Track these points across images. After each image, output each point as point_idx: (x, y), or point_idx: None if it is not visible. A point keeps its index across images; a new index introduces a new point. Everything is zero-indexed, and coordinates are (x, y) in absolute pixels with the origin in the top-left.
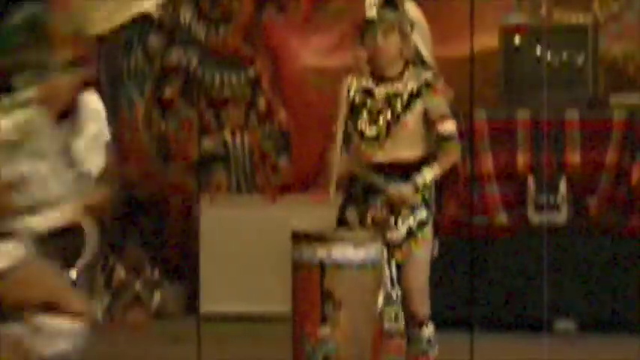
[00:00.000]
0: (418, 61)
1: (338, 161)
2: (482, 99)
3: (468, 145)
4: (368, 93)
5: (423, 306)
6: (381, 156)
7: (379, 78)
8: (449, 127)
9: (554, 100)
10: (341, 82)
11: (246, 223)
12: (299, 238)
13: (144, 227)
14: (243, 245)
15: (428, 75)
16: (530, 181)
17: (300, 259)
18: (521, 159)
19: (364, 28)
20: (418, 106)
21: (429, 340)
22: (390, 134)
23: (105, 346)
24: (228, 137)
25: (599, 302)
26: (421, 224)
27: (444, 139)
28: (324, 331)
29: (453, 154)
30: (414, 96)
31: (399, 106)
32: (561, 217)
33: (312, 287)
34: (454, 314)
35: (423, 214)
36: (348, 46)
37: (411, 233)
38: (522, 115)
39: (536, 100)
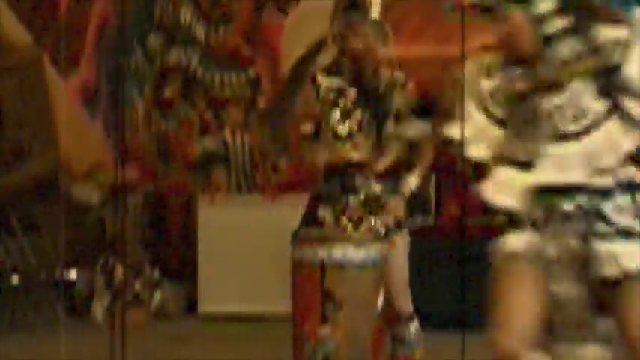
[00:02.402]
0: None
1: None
2: None
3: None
4: (340, 92)
5: (405, 304)
6: (356, 155)
7: (352, 79)
8: (421, 126)
9: None
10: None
11: (246, 223)
12: (299, 238)
13: (144, 227)
14: (243, 245)
15: (399, 74)
16: None
17: (301, 260)
18: None
19: (354, 27)
20: (389, 105)
21: (415, 337)
22: (363, 134)
23: (105, 346)
24: (228, 137)
25: None
26: (398, 224)
27: (416, 138)
28: (325, 331)
29: (427, 154)
30: (386, 95)
31: (371, 104)
32: None
33: (313, 287)
34: (454, 314)
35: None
36: None
37: (388, 233)
38: None
39: None
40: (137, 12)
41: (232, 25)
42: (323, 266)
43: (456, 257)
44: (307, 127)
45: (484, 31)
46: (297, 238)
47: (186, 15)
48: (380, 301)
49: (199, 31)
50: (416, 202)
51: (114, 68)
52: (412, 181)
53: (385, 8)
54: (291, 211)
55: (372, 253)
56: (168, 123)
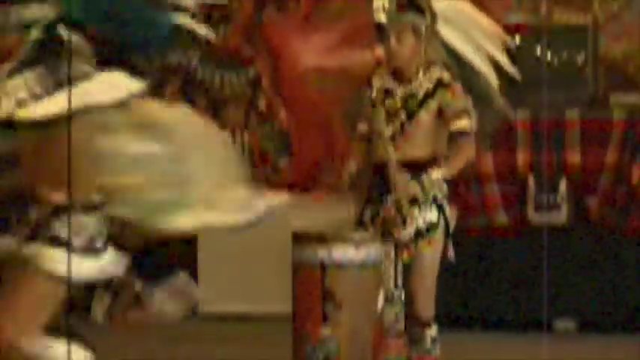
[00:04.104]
0: (440, 61)
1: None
2: None
3: None
4: (388, 93)
5: (426, 308)
6: (398, 156)
7: (398, 79)
8: (462, 123)
9: (554, 100)
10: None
11: None
12: (299, 238)
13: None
14: (243, 245)
15: (444, 75)
16: (531, 181)
17: (301, 260)
18: (522, 159)
19: (379, 31)
20: (433, 106)
21: (432, 341)
22: (404, 134)
23: (105, 346)
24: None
25: (599, 302)
26: (430, 225)
27: (457, 134)
28: (325, 331)
29: (465, 151)
30: (429, 95)
31: (413, 105)
32: (561, 217)
33: (313, 287)
34: (454, 314)
35: (433, 215)
36: (348, 46)
37: (419, 234)
38: (522, 115)
39: (536, 100)
40: None
41: (232, 25)
42: (323, 266)
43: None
44: (362, 127)
45: None
46: (297, 238)
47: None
48: (380, 301)
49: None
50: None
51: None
52: (433, 172)
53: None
54: (291, 211)
55: (372, 252)
56: None
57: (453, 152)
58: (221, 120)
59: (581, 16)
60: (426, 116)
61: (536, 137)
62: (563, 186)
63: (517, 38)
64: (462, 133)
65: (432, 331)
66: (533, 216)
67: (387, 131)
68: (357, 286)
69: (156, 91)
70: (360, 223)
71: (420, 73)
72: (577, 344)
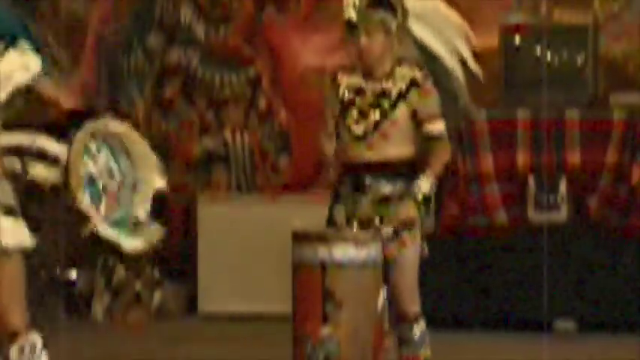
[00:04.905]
0: (411, 59)
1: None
2: (483, 99)
3: (467, 145)
4: (358, 91)
5: (412, 305)
6: (370, 155)
7: (368, 76)
8: (437, 126)
9: (554, 100)
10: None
11: (246, 223)
12: (299, 238)
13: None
14: (243, 245)
15: (417, 74)
16: (531, 181)
17: (301, 259)
18: (522, 159)
19: (347, 28)
20: (406, 106)
21: (420, 337)
22: (381, 134)
23: (105, 346)
24: (228, 137)
25: (599, 302)
26: (409, 224)
27: (433, 138)
28: (325, 331)
29: (443, 155)
30: (402, 95)
31: (387, 104)
32: (561, 216)
33: (313, 287)
34: (453, 314)
35: (411, 212)
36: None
37: (397, 233)
38: (522, 115)
39: (536, 100)
40: (137, 12)
41: (232, 25)
42: (323, 266)
43: (457, 257)
44: (330, 126)
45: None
46: (297, 238)
47: (186, 15)
48: (380, 300)
49: (199, 31)
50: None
51: (114, 68)
52: (424, 185)
53: None
54: (291, 211)
55: (372, 252)
56: (168, 123)
57: (431, 157)
58: (221, 120)
59: (581, 16)
60: (401, 116)
61: (536, 137)
62: (563, 186)
63: (517, 38)
64: (436, 136)
65: (420, 328)
66: (533, 216)
67: (359, 130)
68: (357, 286)
69: (156, 91)
70: (330, 222)
71: (393, 71)
72: (577, 344)
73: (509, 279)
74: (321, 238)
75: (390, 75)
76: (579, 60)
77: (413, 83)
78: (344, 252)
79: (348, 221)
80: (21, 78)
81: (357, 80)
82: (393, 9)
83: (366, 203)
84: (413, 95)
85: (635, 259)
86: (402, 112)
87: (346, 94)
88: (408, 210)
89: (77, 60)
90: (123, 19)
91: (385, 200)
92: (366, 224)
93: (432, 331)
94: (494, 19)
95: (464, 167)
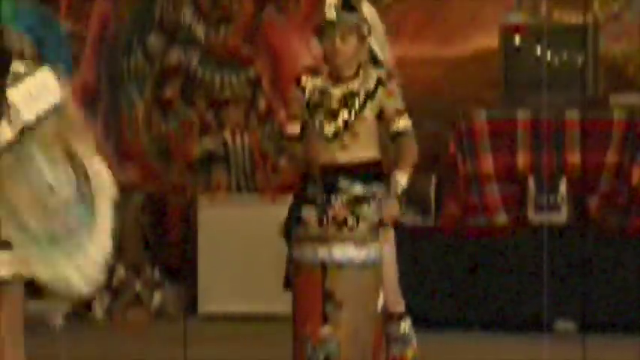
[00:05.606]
0: (371, 61)
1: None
2: (483, 99)
3: (467, 145)
4: (323, 93)
5: (397, 303)
6: (343, 156)
7: (335, 78)
8: (403, 123)
9: (554, 100)
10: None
11: (246, 223)
12: (299, 238)
13: (144, 227)
14: (243, 245)
15: (382, 74)
16: (531, 181)
17: (301, 260)
18: (522, 159)
19: (323, 28)
20: (374, 105)
21: (406, 335)
22: (349, 132)
23: (105, 346)
24: (228, 137)
25: (599, 302)
26: (388, 224)
27: (399, 135)
28: (325, 331)
29: (411, 152)
30: (370, 95)
31: (356, 104)
32: (561, 217)
33: (314, 287)
34: (454, 314)
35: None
36: None
37: (373, 231)
38: (522, 115)
39: (536, 100)
40: (137, 12)
41: (232, 25)
42: (323, 266)
43: (457, 257)
44: (294, 128)
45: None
46: (296, 238)
47: (186, 15)
48: (381, 300)
49: (199, 31)
50: (415, 201)
51: (114, 68)
52: (402, 180)
53: (385, 8)
54: None
55: (372, 252)
56: (168, 123)
57: (400, 153)
58: (221, 120)
59: (582, 16)
60: (369, 115)
61: (536, 137)
62: (563, 186)
63: (517, 38)
64: (403, 133)
65: (406, 325)
66: (533, 216)
67: (329, 130)
68: (358, 286)
69: (156, 91)
70: (297, 222)
71: (358, 73)
72: (577, 344)
73: (509, 279)
74: (321, 239)
75: (355, 76)
76: (579, 60)
77: (379, 82)
78: (344, 252)
79: (320, 221)
80: (50, 99)
81: (321, 82)
82: (356, 11)
83: (339, 203)
84: (380, 94)
85: (635, 259)
86: (370, 110)
87: (313, 96)
88: (391, 209)
89: (77, 60)
90: (123, 19)
91: (359, 201)
92: (341, 224)
93: (432, 331)
94: (494, 19)
95: (464, 167)
